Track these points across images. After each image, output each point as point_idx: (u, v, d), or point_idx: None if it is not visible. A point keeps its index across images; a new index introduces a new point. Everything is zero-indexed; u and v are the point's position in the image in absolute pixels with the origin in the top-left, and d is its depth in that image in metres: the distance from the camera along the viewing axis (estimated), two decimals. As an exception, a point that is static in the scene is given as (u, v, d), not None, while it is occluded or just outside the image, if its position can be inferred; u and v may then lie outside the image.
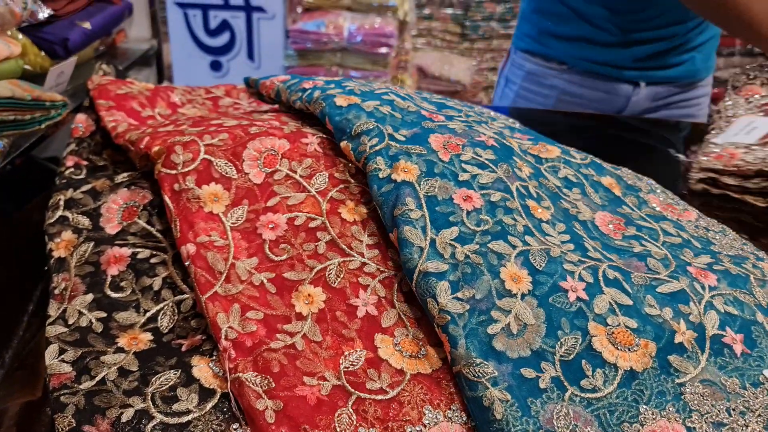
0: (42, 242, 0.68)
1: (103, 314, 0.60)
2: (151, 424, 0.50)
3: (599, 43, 1.22)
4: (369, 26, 2.63)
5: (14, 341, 0.64)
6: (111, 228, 0.68)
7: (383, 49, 2.67)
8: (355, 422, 0.50)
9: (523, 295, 0.56)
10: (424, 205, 0.60)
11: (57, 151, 0.97)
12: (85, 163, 0.81)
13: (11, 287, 0.70)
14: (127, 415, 0.51)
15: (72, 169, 0.79)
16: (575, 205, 0.70)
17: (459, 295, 0.55)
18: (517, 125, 0.90)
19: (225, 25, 2.66)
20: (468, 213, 0.61)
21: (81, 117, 0.87)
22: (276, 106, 0.87)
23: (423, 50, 3.30)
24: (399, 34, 2.74)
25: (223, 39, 2.69)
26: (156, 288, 0.62)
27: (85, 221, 0.68)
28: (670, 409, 0.52)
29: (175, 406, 0.52)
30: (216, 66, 2.77)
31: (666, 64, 1.24)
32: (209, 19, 2.64)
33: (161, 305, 0.61)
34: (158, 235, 0.68)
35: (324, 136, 0.72)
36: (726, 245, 0.72)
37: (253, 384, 0.51)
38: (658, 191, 0.82)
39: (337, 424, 0.49)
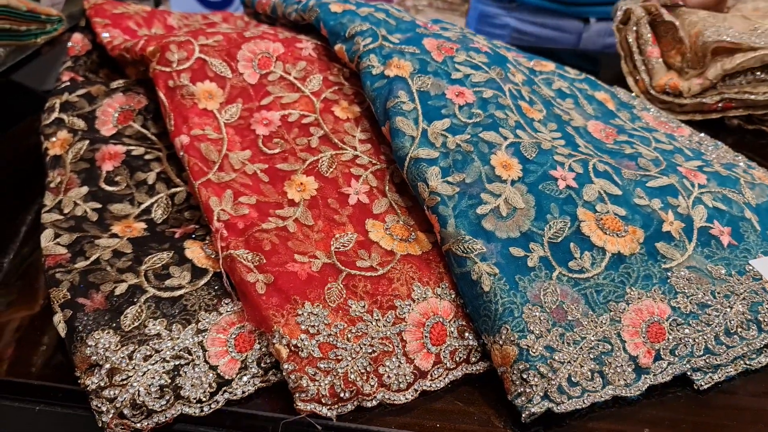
0: (34, 161, 0.68)
1: (98, 205, 0.61)
2: (144, 297, 0.51)
3: None
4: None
5: (12, 252, 0.64)
6: (106, 130, 0.68)
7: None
8: (344, 295, 0.51)
9: (513, 182, 0.56)
10: (416, 98, 0.60)
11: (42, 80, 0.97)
12: (81, 79, 0.81)
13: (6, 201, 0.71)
14: (121, 288, 0.51)
15: (68, 83, 0.79)
16: (568, 113, 0.70)
17: (449, 179, 0.55)
18: (514, 48, 0.90)
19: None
20: (460, 107, 0.61)
21: (77, 36, 0.87)
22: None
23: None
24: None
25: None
26: (150, 182, 0.63)
27: (80, 123, 0.68)
28: (656, 290, 0.53)
29: (168, 282, 0.52)
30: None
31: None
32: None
33: (155, 198, 0.62)
34: (153, 137, 0.68)
35: (318, 42, 0.72)
36: (719, 156, 0.72)
37: (244, 260, 0.51)
38: (652, 110, 0.82)
39: (326, 296, 0.50)
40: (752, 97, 0.82)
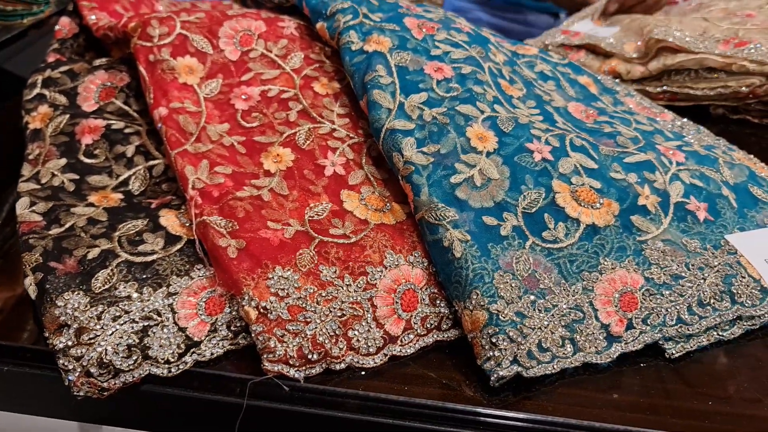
0: (17, 142, 0.67)
1: (76, 176, 0.61)
2: (116, 261, 0.51)
3: None
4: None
5: None
6: (88, 106, 0.68)
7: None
8: (316, 261, 0.51)
9: (488, 153, 0.56)
10: (395, 73, 0.60)
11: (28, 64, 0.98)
12: (66, 60, 0.81)
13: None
14: (93, 253, 0.51)
15: (52, 64, 0.79)
16: (549, 94, 0.70)
17: (424, 149, 0.55)
18: (499, 35, 0.90)
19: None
20: (438, 82, 0.61)
21: (65, 20, 0.87)
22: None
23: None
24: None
25: None
26: (129, 155, 0.63)
27: (62, 99, 0.68)
28: (630, 261, 0.53)
29: (141, 248, 0.52)
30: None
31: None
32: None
33: (133, 170, 0.62)
34: (134, 114, 0.68)
35: (301, 22, 0.72)
36: (700, 139, 0.73)
37: (217, 226, 0.51)
38: (636, 96, 0.82)
39: (297, 261, 0.50)
40: (692, 92, 0.87)
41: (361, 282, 0.50)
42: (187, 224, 0.54)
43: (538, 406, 0.46)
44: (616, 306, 0.50)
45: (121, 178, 0.61)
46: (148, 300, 0.48)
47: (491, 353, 0.46)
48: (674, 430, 0.44)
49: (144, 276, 0.50)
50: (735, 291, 0.53)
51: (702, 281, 0.53)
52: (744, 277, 0.54)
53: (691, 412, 0.45)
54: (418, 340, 0.49)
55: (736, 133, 0.84)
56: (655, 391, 0.47)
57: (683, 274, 0.53)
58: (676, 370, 0.49)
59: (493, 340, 0.46)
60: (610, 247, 0.53)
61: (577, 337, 0.48)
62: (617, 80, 0.85)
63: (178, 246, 0.53)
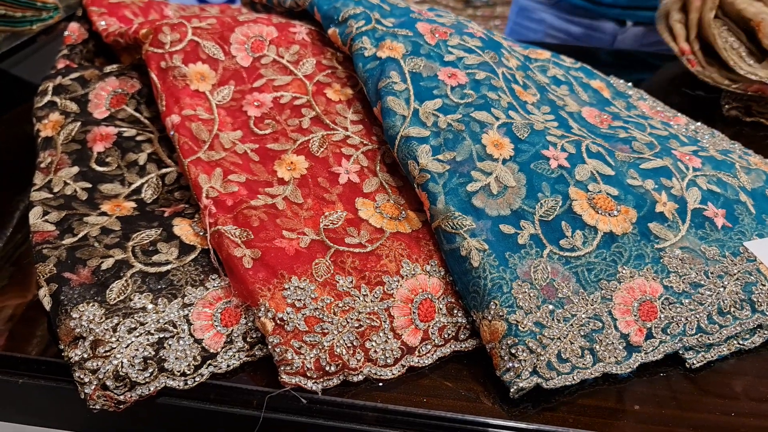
0: (28, 148, 0.67)
1: (88, 185, 0.60)
2: (130, 272, 0.50)
3: None
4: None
5: (5, 238, 0.64)
6: (99, 113, 0.68)
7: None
8: (332, 271, 0.50)
9: (504, 161, 0.56)
10: (408, 79, 0.60)
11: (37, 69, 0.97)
12: (75, 66, 0.81)
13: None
14: (107, 263, 0.51)
15: (62, 69, 0.79)
16: (562, 99, 0.70)
17: (439, 156, 0.55)
18: (511, 39, 0.89)
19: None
20: (452, 88, 0.61)
21: (74, 26, 0.87)
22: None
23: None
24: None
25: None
26: (141, 163, 0.63)
27: (73, 106, 0.68)
28: (649, 270, 0.52)
29: (155, 258, 0.52)
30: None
31: (654, 5, 1.19)
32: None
33: (146, 178, 0.61)
34: (146, 121, 0.68)
35: (312, 27, 0.72)
36: (715, 143, 0.72)
37: (231, 235, 0.51)
38: (649, 100, 0.81)
39: (314, 271, 0.50)
40: None
41: (377, 292, 0.50)
42: (201, 233, 0.54)
43: (558, 418, 0.45)
44: (635, 315, 0.50)
45: (133, 186, 0.61)
46: (163, 311, 0.48)
47: (511, 364, 0.45)
48: (696, 441, 0.44)
49: (159, 287, 0.49)
50: (755, 299, 0.52)
51: (722, 289, 0.52)
52: (764, 285, 0.53)
53: (713, 424, 0.45)
54: (435, 351, 0.49)
55: (750, 135, 0.83)
56: (676, 402, 0.46)
57: (702, 282, 0.52)
58: (697, 380, 0.49)
59: (513, 351, 0.45)
60: (628, 255, 0.53)
61: (597, 347, 0.48)
62: (629, 84, 0.84)
63: (193, 256, 0.52)
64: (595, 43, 1.24)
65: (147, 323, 0.47)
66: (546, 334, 0.47)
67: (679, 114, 0.79)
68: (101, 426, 0.49)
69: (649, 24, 1.19)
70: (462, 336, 0.50)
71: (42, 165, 0.62)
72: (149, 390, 0.45)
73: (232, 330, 0.48)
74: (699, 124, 0.77)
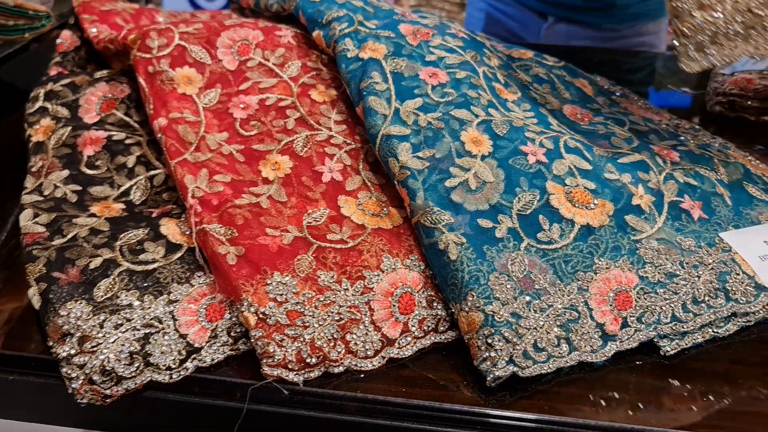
0: (20, 154, 0.69)
1: (78, 187, 0.62)
2: (117, 271, 0.52)
3: None
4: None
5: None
6: (89, 118, 0.69)
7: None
8: (314, 266, 0.51)
9: (483, 157, 0.57)
10: (390, 79, 0.61)
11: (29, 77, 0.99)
12: (67, 72, 0.83)
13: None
14: (95, 263, 0.52)
15: (54, 77, 0.80)
16: (544, 97, 0.71)
17: (419, 154, 0.56)
18: (495, 39, 0.91)
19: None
20: (433, 87, 0.62)
21: (66, 33, 0.89)
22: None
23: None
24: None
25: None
26: (130, 165, 0.64)
27: (64, 111, 0.69)
28: (625, 261, 0.53)
29: (142, 257, 0.53)
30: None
31: (575, 5, 1.11)
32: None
33: (134, 180, 0.63)
34: (135, 125, 0.69)
35: (298, 30, 0.73)
36: (696, 138, 0.73)
37: (216, 233, 0.52)
38: (632, 97, 0.83)
39: (296, 267, 0.51)
40: None
41: (358, 286, 0.51)
42: (188, 232, 0.55)
43: (534, 405, 0.46)
44: (611, 305, 0.51)
45: (122, 189, 0.62)
46: (149, 308, 0.49)
47: (487, 354, 0.46)
48: (672, 426, 0.45)
49: (145, 284, 0.51)
50: (729, 288, 0.53)
51: (696, 279, 0.53)
52: (738, 274, 0.54)
53: (688, 409, 0.46)
54: (415, 343, 0.50)
55: (732, 131, 0.84)
56: (651, 388, 0.47)
57: (678, 272, 0.54)
58: (671, 367, 0.50)
59: (489, 341, 0.47)
60: (604, 247, 0.54)
61: (573, 336, 0.49)
62: (614, 82, 0.85)
63: (179, 254, 0.54)
64: (522, 35, 1.20)
65: (133, 319, 0.48)
66: (522, 324, 0.48)
67: (662, 110, 0.80)
68: (89, 420, 0.50)
69: (575, 22, 1.14)
70: (441, 328, 0.51)
71: (33, 169, 0.64)
72: (135, 384, 0.46)
73: (217, 325, 0.49)
74: (681, 120, 0.78)
